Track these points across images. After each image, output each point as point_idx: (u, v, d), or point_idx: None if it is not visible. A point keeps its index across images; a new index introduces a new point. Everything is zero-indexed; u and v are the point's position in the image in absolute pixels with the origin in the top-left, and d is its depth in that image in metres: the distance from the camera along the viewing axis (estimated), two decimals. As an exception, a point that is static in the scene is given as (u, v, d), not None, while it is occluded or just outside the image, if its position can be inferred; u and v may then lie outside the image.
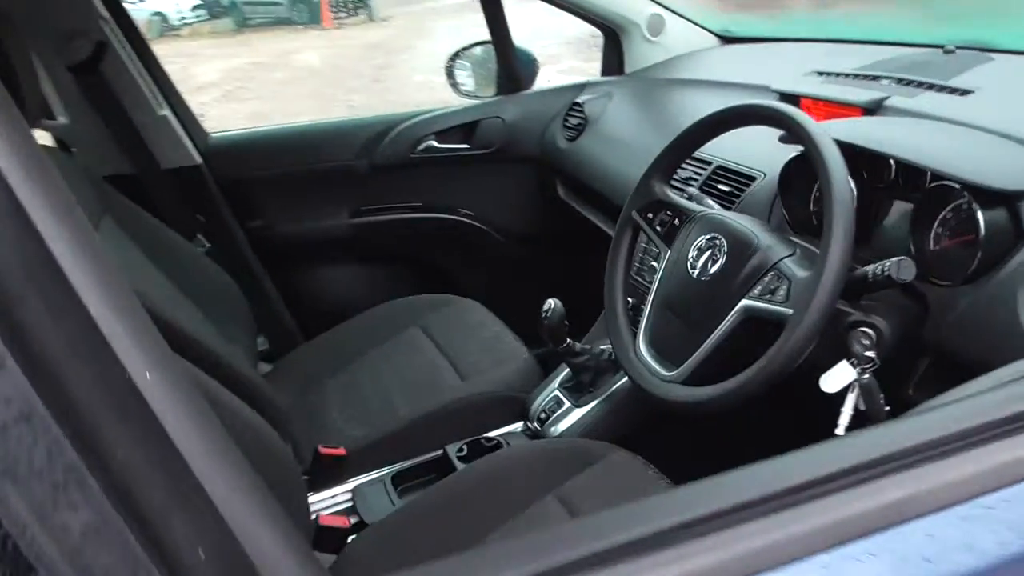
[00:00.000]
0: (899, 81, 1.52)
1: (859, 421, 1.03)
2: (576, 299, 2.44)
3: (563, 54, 8.22)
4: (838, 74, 1.66)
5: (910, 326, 1.11)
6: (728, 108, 1.16)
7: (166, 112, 1.89)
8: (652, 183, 1.26)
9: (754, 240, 1.08)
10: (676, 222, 1.21)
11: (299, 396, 1.70)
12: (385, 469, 1.50)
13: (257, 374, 1.53)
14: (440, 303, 1.87)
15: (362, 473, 1.50)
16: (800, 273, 0.99)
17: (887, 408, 1.04)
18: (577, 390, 1.52)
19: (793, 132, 1.05)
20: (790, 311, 0.97)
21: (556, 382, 1.57)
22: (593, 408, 1.48)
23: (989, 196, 1.05)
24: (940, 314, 1.09)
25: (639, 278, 1.46)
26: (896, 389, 1.09)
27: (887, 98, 1.43)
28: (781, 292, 1.00)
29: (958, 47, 1.62)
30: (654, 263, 1.45)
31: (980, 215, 1.04)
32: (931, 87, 1.46)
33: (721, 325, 1.07)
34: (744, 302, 1.05)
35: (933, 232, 1.15)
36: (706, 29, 2.17)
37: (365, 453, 1.50)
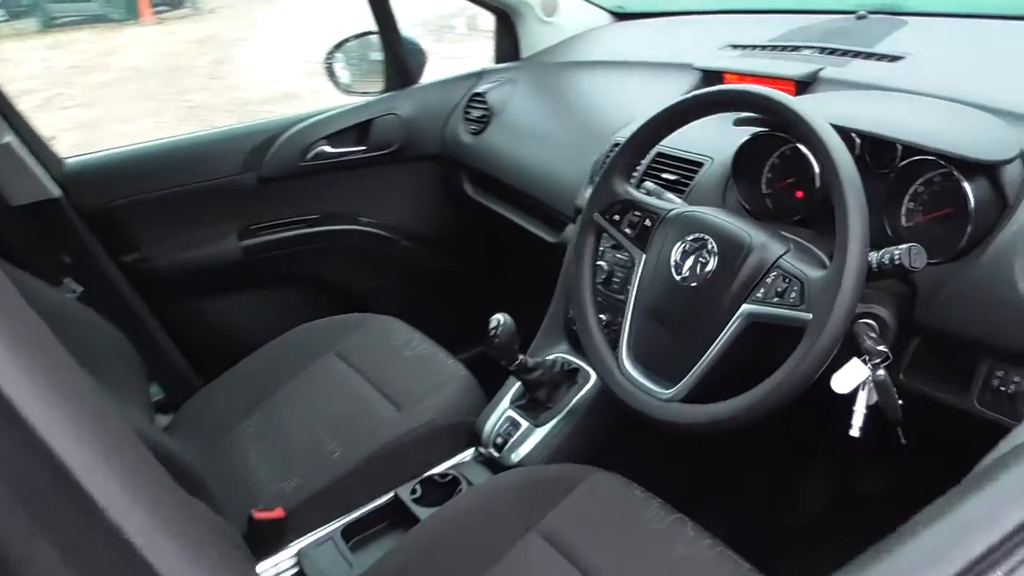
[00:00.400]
0: (822, 50, 1.48)
1: (872, 419, 0.97)
2: (503, 304, 2.33)
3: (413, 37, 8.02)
4: (755, 46, 1.61)
5: (904, 310, 1.06)
6: (700, 95, 1.06)
7: (9, 139, 1.60)
8: (614, 181, 1.15)
9: (747, 238, 0.99)
10: (647, 223, 1.11)
11: (209, 449, 1.50)
12: (332, 524, 1.33)
13: (161, 433, 1.33)
14: (353, 323, 1.70)
15: (305, 533, 1.32)
16: (812, 272, 0.91)
17: (900, 402, 0.99)
18: (532, 408, 1.40)
19: (783, 119, 0.97)
20: (809, 315, 0.89)
21: (507, 401, 1.44)
22: (556, 427, 1.36)
23: (972, 168, 1.01)
24: (930, 294, 1.05)
25: (602, 286, 1.35)
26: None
27: (821, 69, 1.38)
28: (792, 294, 0.92)
29: (868, 12, 1.60)
30: (618, 268, 1.36)
31: (968, 188, 1.00)
32: (857, 55, 1.43)
33: (722, 334, 0.98)
34: (747, 307, 0.96)
35: (904, 208, 1.11)
36: (599, 6, 2.09)
37: (305, 510, 1.33)
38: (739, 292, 0.97)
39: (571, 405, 1.37)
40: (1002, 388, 1.00)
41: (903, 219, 1.11)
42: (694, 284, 1.02)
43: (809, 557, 1.66)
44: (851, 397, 0.97)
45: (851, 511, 1.74)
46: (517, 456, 1.36)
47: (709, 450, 1.49)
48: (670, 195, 1.22)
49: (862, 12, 1.59)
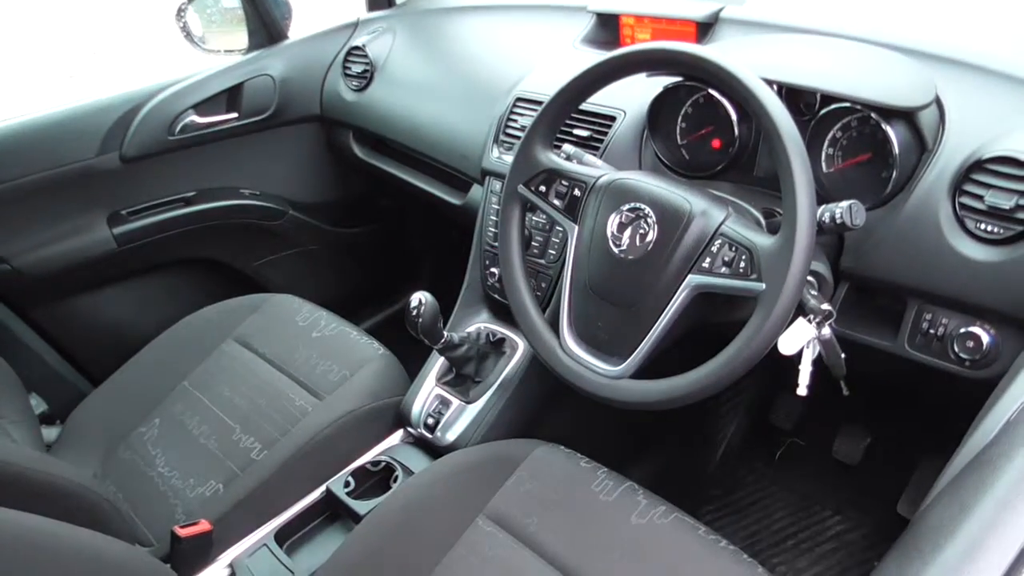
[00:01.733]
0: None
1: (818, 375, 0.98)
2: (407, 268, 2.24)
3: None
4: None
5: (834, 261, 1.07)
6: (623, 55, 0.99)
7: None
8: (534, 150, 1.08)
9: (686, 206, 0.95)
10: (576, 192, 1.05)
11: (109, 460, 1.38)
12: (262, 529, 1.26)
13: (43, 459, 1.20)
14: (251, 305, 1.59)
15: (236, 542, 1.24)
16: (760, 240, 0.89)
17: (843, 355, 1.00)
18: (460, 383, 1.36)
19: (720, 81, 0.92)
20: (762, 285, 0.87)
21: (432, 379, 1.38)
22: (488, 402, 1.32)
23: (891, 112, 1.01)
24: (857, 242, 1.06)
25: (534, 259, 1.30)
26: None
27: (722, 9, 1.36)
28: (741, 264, 0.89)
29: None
30: (536, 232, 1.31)
31: (892, 134, 1.00)
32: None
33: (668, 307, 0.95)
34: (694, 278, 0.93)
35: (824, 154, 1.11)
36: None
37: (231, 517, 1.24)
38: (683, 263, 0.94)
39: (501, 378, 1.33)
40: (931, 330, 1.03)
41: (823, 166, 1.10)
42: (633, 257, 0.98)
43: (730, 483, 1.73)
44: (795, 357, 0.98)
45: (766, 440, 1.81)
46: (452, 435, 1.31)
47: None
48: (590, 157, 1.17)
49: (748, -56, 1.56)
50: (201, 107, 1.74)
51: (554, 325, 1.08)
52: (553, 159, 1.09)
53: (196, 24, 1.82)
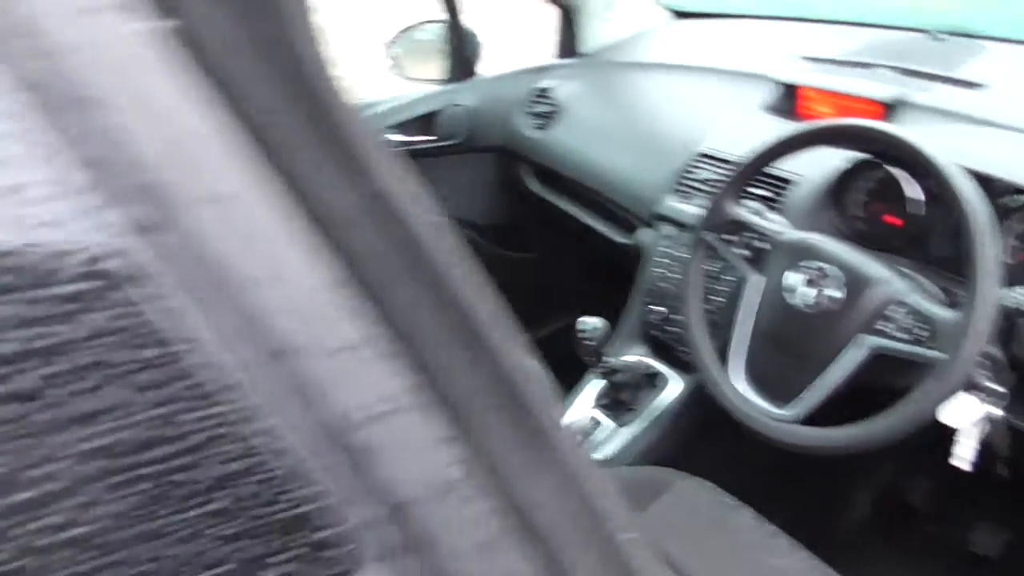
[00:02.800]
0: (901, 71, 1.50)
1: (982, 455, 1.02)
2: (562, 297, 2.35)
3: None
4: (830, 61, 1.63)
5: (1007, 345, 1.11)
6: (831, 125, 1.09)
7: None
8: (726, 203, 1.19)
9: (871, 272, 1.03)
10: (759, 244, 1.15)
11: None
12: None
13: None
14: None
15: None
16: (942, 313, 0.96)
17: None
18: (615, 408, 1.45)
19: (919, 165, 1.00)
20: (941, 355, 0.94)
21: (587, 399, 1.48)
22: (641, 429, 1.41)
23: None
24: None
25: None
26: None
27: (908, 94, 1.41)
28: (922, 332, 0.97)
29: (942, 32, 1.62)
30: (712, 285, 1.40)
31: None
32: (935, 78, 1.45)
33: (840, 361, 1.03)
34: (872, 339, 1.01)
35: (1009, 246, 1.14)
36: (658, 3, 2.10)
37: None
38: (860, 323, 1.02)
39: (655, 409, 1.42)
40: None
41: (1007, 256, 1.14)
42: (811, 311, 1.07)
43: (857, 557, 1.73)
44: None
45: (899, 519, 1.80)
46: (603, 455, 1.40)
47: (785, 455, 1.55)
48: (771, 215, 1.26)
49: (938, 33, 1.61)
50: (400, 127, 1.92)
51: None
52: (742, 213, 1.18)
53: (402, 55, 2.01)
